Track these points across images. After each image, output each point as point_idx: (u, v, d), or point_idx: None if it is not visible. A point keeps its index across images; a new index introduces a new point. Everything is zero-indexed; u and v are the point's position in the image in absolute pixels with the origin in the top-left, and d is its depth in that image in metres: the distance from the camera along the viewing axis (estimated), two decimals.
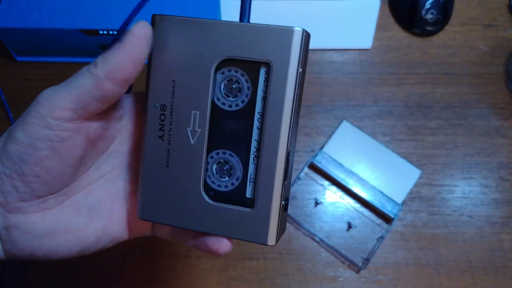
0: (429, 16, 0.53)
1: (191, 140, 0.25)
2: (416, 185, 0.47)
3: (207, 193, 0.26)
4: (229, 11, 0.52)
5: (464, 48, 0.54)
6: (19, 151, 0.23)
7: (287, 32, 0.23)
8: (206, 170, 0.26)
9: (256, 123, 0.25)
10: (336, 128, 0.49)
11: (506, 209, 0.47)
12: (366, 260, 0.44)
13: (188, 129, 0.25)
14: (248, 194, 0.26)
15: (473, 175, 0.48)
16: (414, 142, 0.50)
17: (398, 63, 0.53)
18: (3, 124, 0.51)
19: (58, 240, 0.26)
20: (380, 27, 0.54)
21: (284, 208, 0.25)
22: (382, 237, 0.45)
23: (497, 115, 0.51)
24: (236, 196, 0.26)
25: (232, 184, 0.26)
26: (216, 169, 0.26)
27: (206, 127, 0.25)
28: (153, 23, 0.25)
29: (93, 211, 0.27)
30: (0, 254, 0.25)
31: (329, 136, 0.49)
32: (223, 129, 0.26)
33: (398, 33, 0.55)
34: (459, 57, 0.53)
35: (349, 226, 0.46)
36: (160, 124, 0.25)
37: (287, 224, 0.46)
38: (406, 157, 0.48)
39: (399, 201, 0.46)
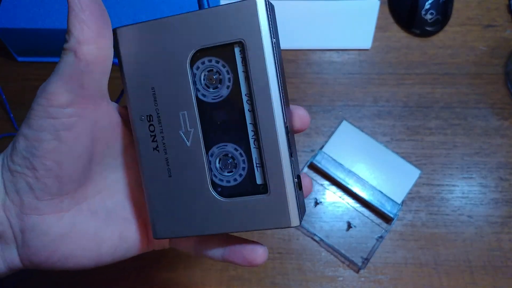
0: (428, 16, 0.53)
1: (187, 142, 0.24)
2: (416, 185, 0.48)
3: (217, 192, 0.25)
4: None
5: (464, 49, 0.54)
6: (27, 145, 0.23)
7: (250, 4, 0.22)
8: (210, 169, 0.25)
9: (246, 106, 0.24)
10: (335, 128, 0.50)
11: (505, 209, 0.47)
12: (366, 260, 0.45)
13: (181, 131, 0.24)
14: (259, 180, 0.24)
15: (473, 175, 0.48)
16: (413, 142, 0.50)
17: (398, 63, 0.53)
18: (3, 124, 0.51)
19: (74, 244, 0.25)
20: (379, 27, 0.54)
21: (298, 186, 0.24)
22: (381, 237, 0.45)
23: (496, 115, 0.51)
24: (247, 186, 0.25)
25: (240, 175, 0.25)
26: (219, 165, 0.25)
27: (198, 125, 0.24)
28: (115, 38, 0.24)
29: (110, 216, 0.27)
30: (16, 262, 0.25)
31: (329, 136, 0.49)
32: (216, 122, 0.24)
33: (397, 34, 0.55)
34: (459, 57, 0.53)
35: (349, 225, 0.46)
36: (151, 136, 0.24)
37: None
38: (406, 157, 0.49)
39: (399, 201, 0.46)
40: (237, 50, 0.23)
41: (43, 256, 0.25)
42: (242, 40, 0.22)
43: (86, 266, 0.26)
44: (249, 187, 0.24)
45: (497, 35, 0.54)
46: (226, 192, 0.25)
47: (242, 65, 0.23)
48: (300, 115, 0.26)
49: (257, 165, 0.24)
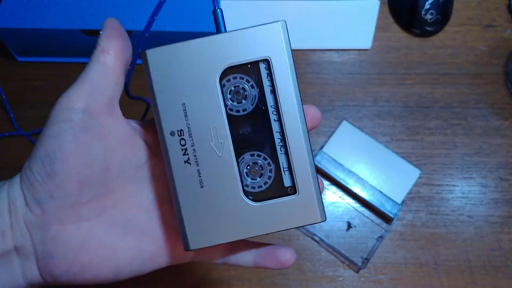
0: (428, 16, 0.53)
1: (218, 152, 0.26)
2: (416, 185, 0.48)
3: (248, 198, 0.26)
4: (230, 11, 0.52)
5: (464, 49, 0.54)
6: (46, 151, 0.24)
7: (275, 27, 0.25)
8: (241, 178, 0.26)
9: (272, 116, 0.26)
10: (335, 128, 0.50)
11: (505, 209, 0.47)
12: (366, 260, 0.45)
13: (211, 143, 0.26)
14: (287, 183, 0.26)
15: (472, 175, 0.48)
16: (413, 142, 0.50)
17: (398, 63, 0.53)
18: (3, 124, 0.51)
19: (92, 254, 0.25)
20: (379, 27, 0.54)
21: (319, 189, 0.27)
22: (381, 237, 0.45)
23: (496, 115, 0.51)
24: (276, 190, 0.27)
25: (268, 179, 0.27)
26: (248, 172, 0.27)
27: (229, 136, 0.26)
28: (143, 58, 0.25)
29: (127, 228, 0.27)
30: (36, 276, 0.25)
31: (329, 136, 0.49)
32: (244, 133, 0.27)
33: (397, 34, 0.55)
34: (459, 57, 0.53)
35: (349, 225, 0.47)
36: (182, 150, 0.26)
37: None
38: (406, 157, 0.49)
39: (399, 201, 0.46)
40: (262, 66, 0.26)
41: (63, 267, 0.25)
42: (268, 58, 0.25)
43: (104, 279, 0.26)
44: (278, 190, 0.27)
45: (497, 35, 0.54)
46: (257, 197, 0.27)
47: (268, 80, 0.26)
48: (313, 113, 0.28)
49: (284, 169, 0.26)
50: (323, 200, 0.26)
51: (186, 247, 0.26)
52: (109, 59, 0.25)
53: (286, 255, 0.27)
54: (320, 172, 0.48)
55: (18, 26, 0.47)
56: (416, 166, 0.48)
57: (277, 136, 0.26)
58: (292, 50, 0.27)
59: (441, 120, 0.51)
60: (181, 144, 0.26)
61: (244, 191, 0.26)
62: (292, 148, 0.26)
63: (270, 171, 0.27)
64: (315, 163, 0.47)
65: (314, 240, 0.46)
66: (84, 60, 0.52)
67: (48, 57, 0.52)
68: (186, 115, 0.25)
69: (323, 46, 0.54)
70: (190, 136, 0.26)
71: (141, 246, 0.27)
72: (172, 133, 0.26)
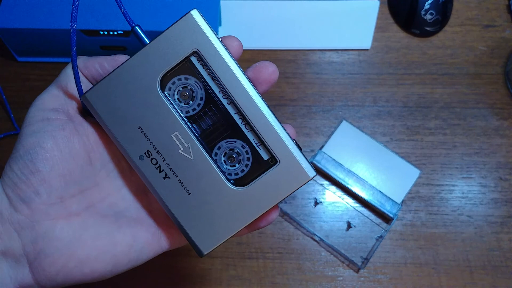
0: (428, 16, 0.53)
1: (190, 156, 0.26)
2: (415, 184, 0.48)
3: (235, 185, 0.26)
4: (229, 11, 0.52)
5: (463, 49, 0.54)
6: (26, 149, 0.24)
7: (188, 18, 0.25)
8: (221, 170, 0.26)
9: (224, 101, 0.26)
10: (335, 128, 0.50)
11: (505, 209, 0.47)
12: (366, 260, 0.45)
13: (180, 151, 0.26)
14: (265, 156, 0.27)
15: (472, 175, 0.49)
16: (413, 142, 0.50)
17: (397, 63, 0.53)
18: (4, 124, 0.51)
19: (88, 247, 0.25)
20: (379, 27, 0.54)
21: (298, 146, 0.26)
22: (381, 237, 0.45)
23: (495, 115, 0.51)
24: (259, 167, 0.27)
25: (248, 159, 0.27)
26: (226, 161, 0.27)
27: (193, 137, 0.26)
28: (85, 101, 0.26)
29: (120, 218, 0.27)
30: (28, 281, 0.25)
31: (329, 136, 0.49)
32: (206, 128, 0.27)
33: (397, 34, 0.55)
34: (458, 57, 0.53)
35: (349, 225, 0.47)
36: (156, 168, 0.26)
37: (287, 224, 0.47)
38: (405, 157, 0.49)
39: (398, 200, 0.46)
40: (194, 59, 0.26)
41: (59, 263, 0.25)
42: (195, 50, 0.25)
43: (103, 272, 0.26)
44: (261, 166, 0.27)
45: (496, 35, 0.54)
46: (243, 181, 0.27)
47: (204, 69, 0.26)
48: (258, 67, 0.27)
49: (257, 144, 0.27)
50: (305, 156, 0.27)
51: (200, 254, 0.27)
52: (81, 67, 0.26)
53: (270, 216, 0.27)
54: (320, 172, 0.48)
55: (18, 26, 0.47)
56: (415, 166, 0.48)
57: (236, 117, 0.26)
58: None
59: (441, 120, 0.51)
60: (153, 164, 0.26)
61: (228, 180, 0.26)
62: (255, 122, 0.26)
63: (246, 152, 0.27)
64: (315, 163, 0.47)
65: (314, 240, 0.46)
66: None
67: (48, 57, 0.53)
68: (146, 136, 0.26)
69: (323, 46, 0.54)
70: (158, 152, 0.26)
71: (136, 234, 0.27)
72: (141, 157, 0.26)
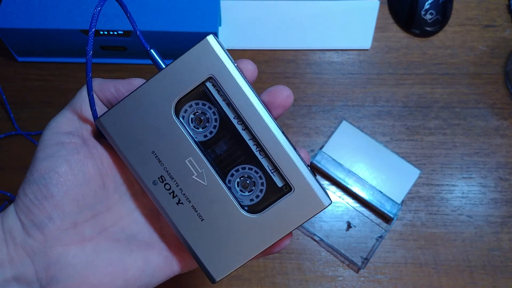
0: (428, 16, 0.53)
1: (203, 182, 0.26)
2: (415, 184, 0.48)
3: (248, 212, 0.26)
4: (229, 11, 0.52)
5: (463, 49, 0.54)
6: (40, 173, 0.24)
7: (204, 43, 0.25)
8: (235, 197, 0.26)
9: (239, 127, 0.26)
10: (335, 128, 0.50)
11: (505, 209, 0.47)
12: (366, 260, 0.45)
13: (193, 176, 0.26)
14: (279, 183, 0.26)
15: (472, 175, 0.49)
16: (413, 142, 0.50)
17: (397, 63, 0.53)
18: (4, 124, 0.51)
19: (100, 273, 0.25)
20: (379, 27, 0.54)
21: (313, 173, 0.26)
22: (381, 237, 0.45)
23: (495, 115, 0.51)
24: (273, 194, 0.26)
25: (262, 184, 0.27)
26: (240, 188, 0.27)
27: (206, 162, 0.26)
28: (100, 125, 0.26)
29: (132, 242, 0.27)
30: None
31: (329, 136, 0.49)
32: (220, 154, 0.27)
33: (397, 34, 0.55)
34: (458, 57, 0.53)
35: (349, 225, 0.47)
36: (170, 194, 0.26)
37: None
38: (405, 157, 0.49)
39: (398, 200, 0.46)
40: (209, 85, 0.26)
41: None
42: (211, 75, 0.25)
43: None
44: (275, 194, 0.26)
45: (496, 35, 0.54)
46: (257, 208, 0.27)
47: (219, 95, 0.26)
48: (275, 93, 0.27)
49: (272, 171, 0.26)
50: (321, 183, 0.26)
51: (212, 281, 0.27)
52: (96, 90, 0.26)
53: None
54: (320, 172, 0.48)
55: (18, 26, 0.47)
56: (415, 166, 0.48)
57: (251, 143, 0.26)
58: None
59: (441, 120, 0.51)
60: (166, 189, 0.26)
61: (242, 207, 0.26)
62: (269, 149, 0.25)
63: (260, 178, 0.26)
64: (315, 163, 0.47)
65: (314, 240, 0.46)
66: (84, 60, 0.52)
67: (48, 57, 0.53)
68: (160, 161, 0.26)
69: (323, 46, 0.54)
70: (172, 178, 0.26)
71: (148, 258, 0.27)
72: (154, 182, 0.26)
